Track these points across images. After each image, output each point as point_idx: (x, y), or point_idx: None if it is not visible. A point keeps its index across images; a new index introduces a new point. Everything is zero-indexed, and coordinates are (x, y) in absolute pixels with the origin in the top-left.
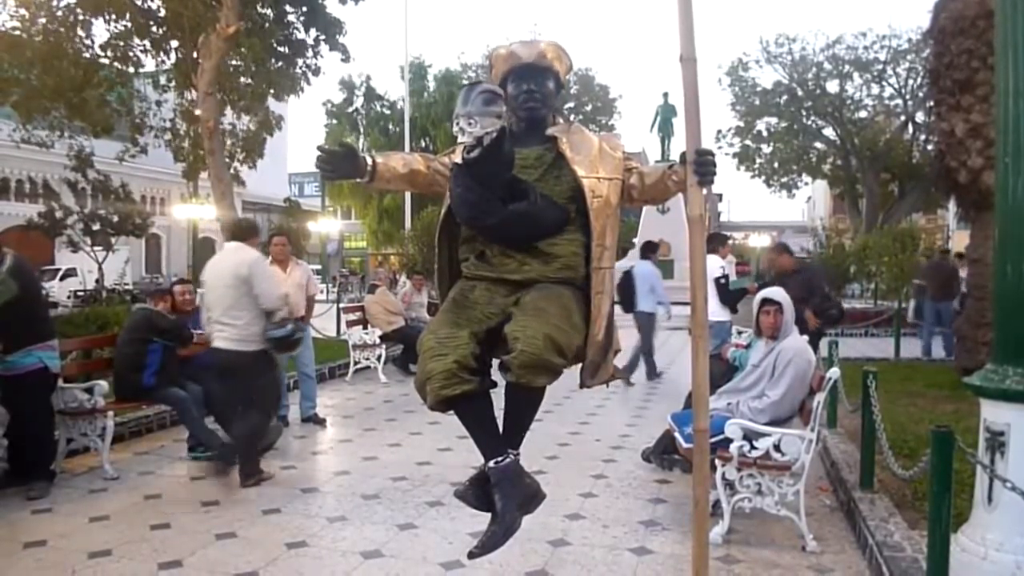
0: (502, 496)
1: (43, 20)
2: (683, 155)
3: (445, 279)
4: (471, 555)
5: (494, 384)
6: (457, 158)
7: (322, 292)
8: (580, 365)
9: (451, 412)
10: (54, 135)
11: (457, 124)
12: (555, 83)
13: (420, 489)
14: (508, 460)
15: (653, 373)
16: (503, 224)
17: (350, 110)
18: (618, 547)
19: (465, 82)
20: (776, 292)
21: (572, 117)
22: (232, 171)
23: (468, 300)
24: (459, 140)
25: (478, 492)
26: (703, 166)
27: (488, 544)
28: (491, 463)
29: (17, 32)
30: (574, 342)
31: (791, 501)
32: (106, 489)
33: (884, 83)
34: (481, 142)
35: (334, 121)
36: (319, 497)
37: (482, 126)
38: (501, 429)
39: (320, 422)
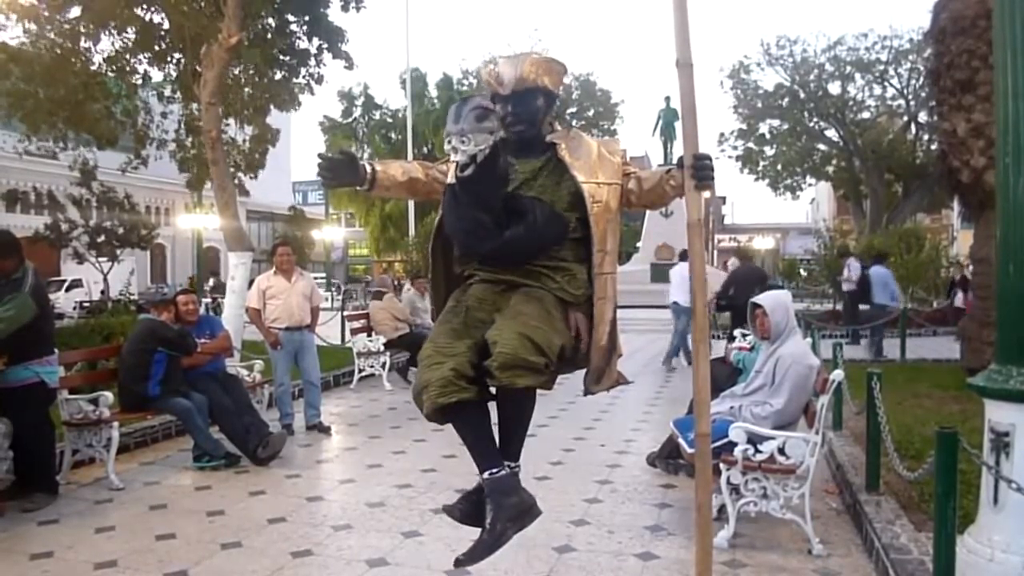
0: (494, 507)
1: (51, 34)
2: (680, 159)
3: (441, 289)
4: (457, 563)
5: (492, 396)
6: (451, 174)
7: (326, 300)
8: (584, 371)
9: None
10: (58, 147)
11: (449, 142)
12: (544, 98)
13: (425, 496)
14: (503, 472)
15: (879, 352)
16: (499, 251)
17: (349, 120)
18: (623, 552)
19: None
20: (762, 296)
21: (573, 123)
22: (235, 181)
23: (464, 305)
24: (452, 158)
25: (465, 507)
26: (701, 170)
27: (475, 554)
28: (485, 474)
29: (25, 47)
30: (555, 341)
31: (796, 504)
32: (112, 500)
33: (886, 84)
34: (475, 159)
35: (328, 137)
36: (324, 505)
37: (475, 143)
38: (498, 440)
39: (325, 430)
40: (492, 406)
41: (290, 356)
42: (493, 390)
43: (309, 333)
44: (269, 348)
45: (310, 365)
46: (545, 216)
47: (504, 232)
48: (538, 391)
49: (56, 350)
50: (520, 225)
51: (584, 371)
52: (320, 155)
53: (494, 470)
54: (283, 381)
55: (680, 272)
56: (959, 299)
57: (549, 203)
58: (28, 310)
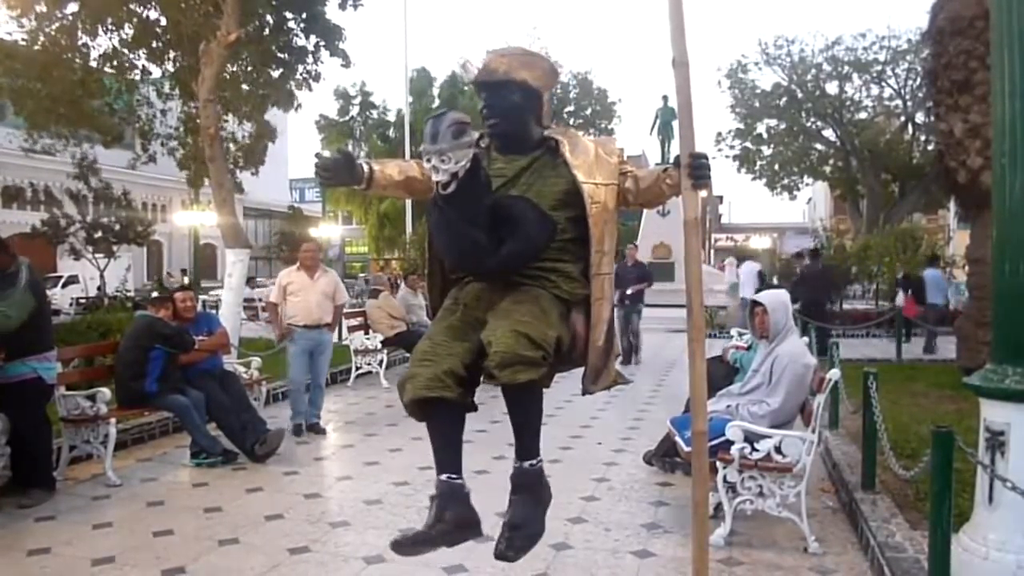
0: (438, 510)
1: (50, 30)
2: (677, 158)
3: (437, 286)
4: (395, 545)
5: (473, 406)
6: (434, 191)
7: None
8: (582, 371)
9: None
10: (61, 144)
11: (429, 161)
12: (523, 94)
13: (422, 494)
14: (460, 481)
15: (931, 347)
16: (498, 268)
17: (346, 118)
18: (620, 550)
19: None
20: (763, 294)
21: (572, 122)
22: (233, 177)
23: (462, 303)
24: (433, 177)
25: (458, 520)
26: (697, 169)
27: (408, 542)
28: (444, 476)
29: (24, 43)
30: (550, 333)
31: (793, 503)
32: (109, 496)
33: (883, 84)
34: (456, 176)
35: (324, 135)
36: (321, 503)
37: (455, 160)
38: (514, 440)
39: (320, 431)
40: (470, 417)
41: (306, 355)
42: (492, 392)
43: (327, 332)
44: (288, 345)
45: (322, 366)
46: (535, 221)
47: (500, 248)
48: None
49: (55, 346)
50: (515, 239)
51: (582, 370)
52: (318, 154)
53: (453, 476)
54: (297, 381)
55: (748, 269)
56: (900, 299)
57: (535, 203)
58: (27, 305)
